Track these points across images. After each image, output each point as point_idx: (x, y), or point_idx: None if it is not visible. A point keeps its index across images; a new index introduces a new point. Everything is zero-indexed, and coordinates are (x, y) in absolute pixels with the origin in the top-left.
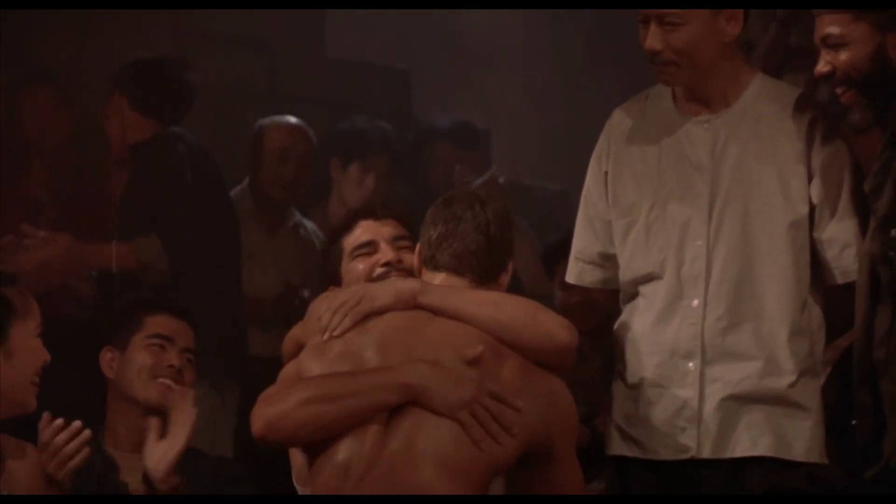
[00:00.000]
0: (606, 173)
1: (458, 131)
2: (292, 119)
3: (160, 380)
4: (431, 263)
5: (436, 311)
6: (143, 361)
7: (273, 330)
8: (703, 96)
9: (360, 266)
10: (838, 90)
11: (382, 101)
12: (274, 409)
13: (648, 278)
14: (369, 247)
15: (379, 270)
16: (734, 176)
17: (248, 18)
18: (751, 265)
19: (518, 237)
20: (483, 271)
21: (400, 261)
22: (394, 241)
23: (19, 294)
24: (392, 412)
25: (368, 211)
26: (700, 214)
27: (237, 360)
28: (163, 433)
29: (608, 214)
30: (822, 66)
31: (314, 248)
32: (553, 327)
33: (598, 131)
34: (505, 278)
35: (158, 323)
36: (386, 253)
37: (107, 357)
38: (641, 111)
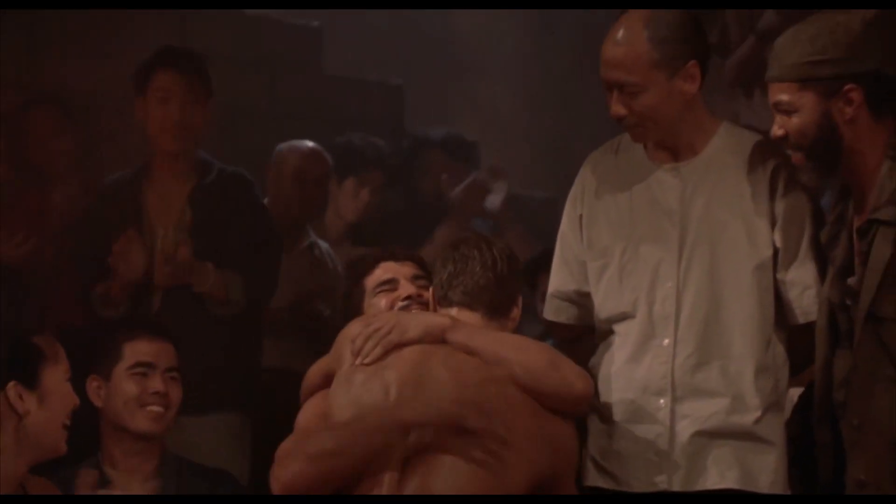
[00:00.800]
0: (581, 217)
1: (448, 143)
2: (310, 143)
3: (148, 408)
4: (445, 301)
5: (462, 349)
6: (128, 392)
7: (286, 344)
8: (671, 146)
9: (383, 301)
10: (792, 151)
11: (377, 116)
12: (287, 471)
13: (622, 317)
14: (390, 284)
15: (400, 304)
16: (702, 221)
17: (249, 36)
18: (718, 306)
19: (519, 237)
20: (494, 305)
21: (420, 295)
22: (413, 279)
23: (48, 341)
24: (406, 457)
25: (389, 253)
26: (670, 257)
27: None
28: None
29: (583, 255)
30: (776, 130)
31: (327, 268)
32: (572, 377)
33: (585, 138)
34: (516, 312)
35: (138, 350)
36: (407, 288)
37: (93, 386)
38: (614, 158)
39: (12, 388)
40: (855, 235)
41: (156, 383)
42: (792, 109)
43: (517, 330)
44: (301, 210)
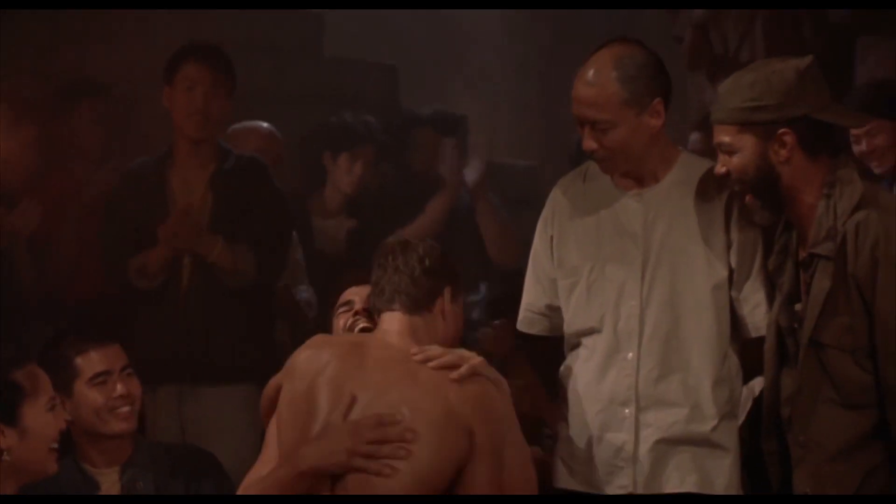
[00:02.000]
0: (552, 237)
1: (437, 119)
2: (264, 124)
3: (117, 411)
4: (375, 309)
5: None
6: (95, 402)
7: None
8: (636, 175)
9: (341, 321)
10: (736, 188)
11: (373, 94)
12: None
13: (590, 332)
14: (348, 305)
15: (351, 320)
16: (663, 244)
17: (256, 22)
18: (678, 323)
19: (488, 214)
20: (411, 303)
21: (366, 310)
22: (368, 297)
23: (27, 375)
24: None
25: (358, 280)
26: (634, 277)
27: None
28: None
29: (554, 273)
30: (718, 168)
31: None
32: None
33: (567, 110)
34: (441, 304)
35: (92, 361)
36: (357, 304)
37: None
38: (582, 183)
39: None
40: (800, 266)
41: (117, 387)
42: (732, 150)
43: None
44: None
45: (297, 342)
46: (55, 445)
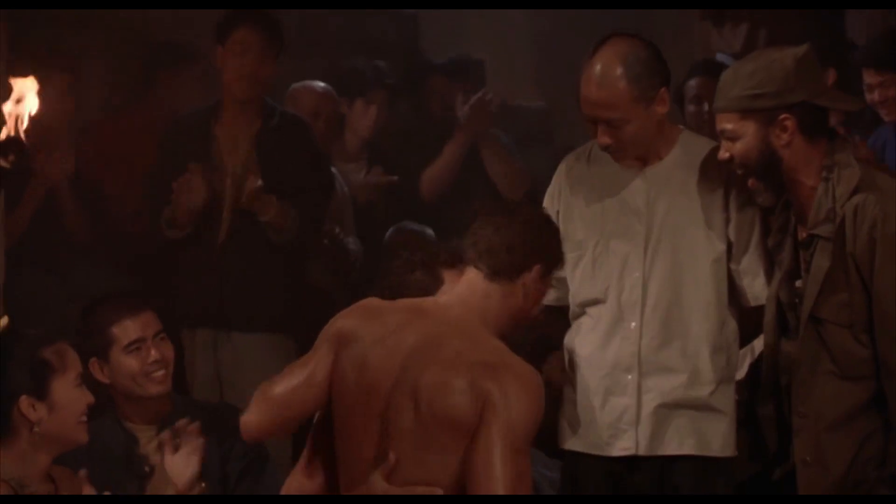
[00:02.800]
0: (558, 212)
1: (451, 66)
2: (321, 83)
3: (153, 375)
4: (465, 255)
5: None
6: (131, 368)
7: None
8: (640, 155)
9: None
10: (739, 172)
11: (393, 42)
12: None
13: (594, 302)
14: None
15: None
16: (665, 219)
17: None
18: (679, 293)
19: (493, 153)
20: (498, 269)
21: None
22: None
23: (56, 352)
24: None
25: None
26: (637, 251)
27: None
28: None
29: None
30: (722, 153)
31: (336, 191)
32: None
33: (576, 49)
34: (528, 278)
35: (127, 330)
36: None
37: (96, 368)
38: (587, 161)
39: (24, 400)
40: (800, 246)
41: (152, 353)
42: (735, 136)
43: None
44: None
45: (338, 288)
46: (84, 419)
